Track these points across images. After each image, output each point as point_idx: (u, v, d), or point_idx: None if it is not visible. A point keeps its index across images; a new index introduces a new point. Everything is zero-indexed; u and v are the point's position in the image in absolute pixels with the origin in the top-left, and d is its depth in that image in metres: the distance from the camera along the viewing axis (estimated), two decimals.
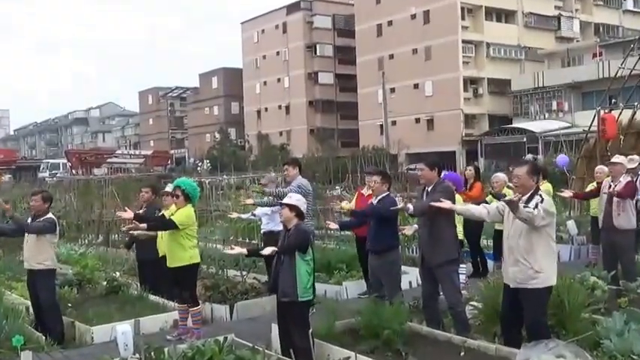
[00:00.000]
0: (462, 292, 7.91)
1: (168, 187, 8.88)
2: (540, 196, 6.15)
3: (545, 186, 11.69)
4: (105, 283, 10.42)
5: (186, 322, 8.21)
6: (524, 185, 6.19)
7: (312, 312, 8.75)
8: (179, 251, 7.94)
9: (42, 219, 8.09)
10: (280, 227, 7.78)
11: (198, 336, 7.68)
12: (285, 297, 6.47)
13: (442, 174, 7.72)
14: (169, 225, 7.91)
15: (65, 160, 61.33)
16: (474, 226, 11.48)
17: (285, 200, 6.71)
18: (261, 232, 10.68)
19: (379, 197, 8.16)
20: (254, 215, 10.89)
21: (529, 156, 34.42)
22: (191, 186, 8.11)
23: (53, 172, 59.37)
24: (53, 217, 8.24)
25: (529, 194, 6.15)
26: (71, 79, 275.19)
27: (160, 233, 9.06)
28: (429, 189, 7.40)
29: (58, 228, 8.24)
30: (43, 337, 7.63)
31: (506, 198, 6.16)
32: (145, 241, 9.63)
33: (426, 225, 7.38)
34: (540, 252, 6.09)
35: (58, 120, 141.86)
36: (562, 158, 16.65)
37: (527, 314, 6.17)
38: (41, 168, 66.43)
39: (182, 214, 7.95)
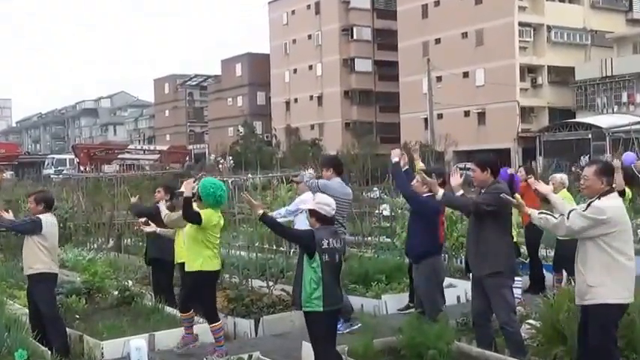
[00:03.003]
0: (518, 308, 7.86)
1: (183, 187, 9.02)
2: (599, 199, 6.11)
3: (627, 192, 11.61)
4: (116, 292, 10.55)
5: (192, 330, 8.38)
6: (592, 187, 6.14)
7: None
8: (203, 250, 8.09)
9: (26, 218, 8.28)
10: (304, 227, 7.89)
11: (221, 354, 7.76)
12: (293, 304, 6.80)
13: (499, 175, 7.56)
14: (195, 217, 8.04)
15: (72, 156, 62.04)
16: (532, 233, 11.41)
17: (303, 206, 6.80)
18: None
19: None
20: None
21: (585, 158, 34.07)
22: (204, 187, 8.18)
23: (59, 168, 60.12)
24: (41, 217, 8.31)
25: (593, 199, 6.12)
26: (79, 65, 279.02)
27: (178, 239, 9.22)
28: (483, 192, 7.32)
29: (43, 228, 8.23)
30: (49, 352, 7.75)
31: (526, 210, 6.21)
32: (159, 238, 9.85)
33: (474, 229, 7.29)
34: (597, 264, 6.01)
35: (65, 111, 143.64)
36: (629, 156, 16.38)
37: (589, 337, 6.13)
38: (46, 164, 67.37)
39: (204, 213, 8.09)
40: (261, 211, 6.70)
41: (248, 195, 7.41)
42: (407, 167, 8.87)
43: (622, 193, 10.80)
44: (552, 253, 12.15)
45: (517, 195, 7.20)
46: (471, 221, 7.44)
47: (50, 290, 8.52)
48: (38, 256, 8.26)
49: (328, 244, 6.49)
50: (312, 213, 6.64)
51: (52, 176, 45.59)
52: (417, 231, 8.19)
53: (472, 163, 7.50)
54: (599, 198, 6.08)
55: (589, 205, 6.07)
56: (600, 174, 6.14)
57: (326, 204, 6.70)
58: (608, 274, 6.01)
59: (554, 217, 6.22)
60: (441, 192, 7.31)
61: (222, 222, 8.40)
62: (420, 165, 9.91)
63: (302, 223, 9.91)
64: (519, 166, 12.49)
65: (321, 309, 6.47)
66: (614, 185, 6.44)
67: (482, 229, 7.19)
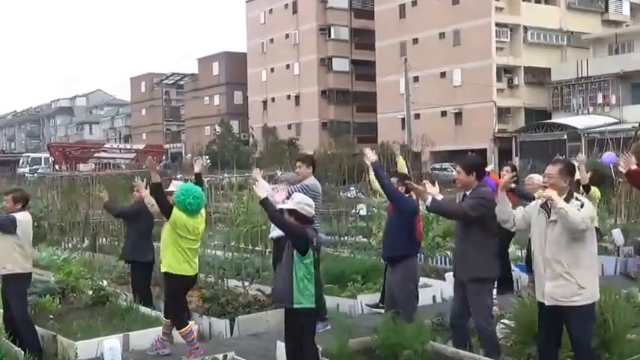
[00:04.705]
0: (493, 309, 7.90)
1: (172, 187, 8.93)
2: (578, 199, 6.17)
3: (594, 191, 11.64)
4: (91, 292, 10.47)
5: (170, 336, 8.35)
6: (555, 186, 6.17)
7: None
8: (169, 256, 8.10)
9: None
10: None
11: (197, 355, 7.74)
12: (279, 302, 6.69)
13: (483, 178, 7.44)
14: (168, 208, 8.06)
15: (47, 155, 61.53)
16: (502, 234, 11.35)
17: (283, 205, 6.71)
18: (270, 237, 10.69)
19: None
20: None
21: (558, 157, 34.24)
22: (182, 191, 8.13)
23: (34, 167, 59.69)
24: (16, 215, 8.27)
25: (562, 198, 6.14)
26: (54, 63, 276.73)
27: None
28: (468, 194, 7.26)
29: (18, 228, 8.17)
30: (22, 352, 7.70)
31: (544, 193, 6.10)
32: (136, 239, 9.85)
33: (461, 234, 7.28)
34: (585, 265, 6.11)
35: (40, 109, 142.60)
36: (608, 156, 16.45)
37: (573, 336, 6.18)
38: (21, 163, 66.78)
39: (175, 213, 8.05)
40: (263, 195, 6.61)
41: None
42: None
43: (586, 189, 10.92)
44: (524, 253, 12.17)
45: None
46: (457, 225, 7.41)
47: (22, 291, 8.43)
48: (12, 255, 8.18)
49: (315, 241, 6.55)
50: (292, 212, 6.59)
51: (26, 175, 45.19)
52: (394, 233, 8.14)
53: (458, 166, 7.33)
54: (572, 197, 6.14)
55: (582, 205, 6.10)
56: (564, 173, 6.20)
57: (307, 204, 6.67)
58: (593, 274, 6.21)
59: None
60: (429, 198, 7.04)
61: (200, 228, 8.34)
62: (401, 162, 9.96)
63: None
64: (505, 164, 12.38)
65: (314, 305, 6.52)
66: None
67: (468, 235, 7.16)
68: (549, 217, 6.17)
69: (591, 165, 18.18)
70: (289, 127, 70.53)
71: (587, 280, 6.11)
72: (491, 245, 7.34)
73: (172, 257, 8.11)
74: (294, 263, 6.45)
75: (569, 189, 6.23)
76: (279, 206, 6.71)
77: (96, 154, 57.95)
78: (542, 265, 6.24)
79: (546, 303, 6.21)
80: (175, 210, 8.03)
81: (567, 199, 6.12)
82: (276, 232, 10.03)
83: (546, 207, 6.22)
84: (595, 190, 11.67)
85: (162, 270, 8.24)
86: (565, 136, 50.29)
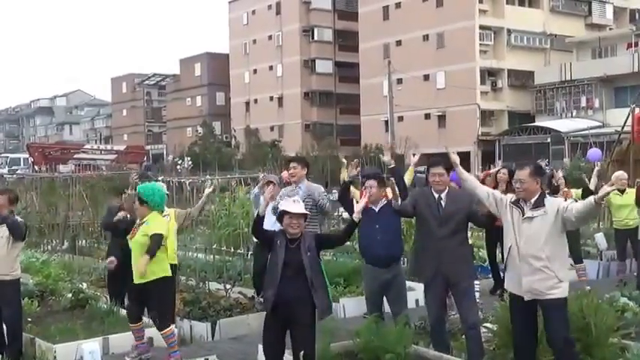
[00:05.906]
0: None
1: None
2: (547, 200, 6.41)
3: (576, 192, 11.84)
4: (70, 295, 10.44)
5: (144, 339, 8.24)
6: (529, 189, 6.36)
7: None
8: (150, 264, 7.80)
9: (18, 220, 8.11)
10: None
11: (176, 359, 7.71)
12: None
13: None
14: (159, 243, 7.70)
15: (27, 155, 61.21)
16: (495, 234, 11.27)
17: (300, 209, 6.54)
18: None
19: (380, 206, 8.06)
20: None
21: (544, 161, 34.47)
22: (149, 190, 7.99)
23: (13, 167, 59.21)
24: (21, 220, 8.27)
25: (535, 199, 6.34)
26: (34, 63, 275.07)
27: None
28: (444, 196, 7.33)
29: None
30: (0, 356, 7.65)
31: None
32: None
33: (452, 233, 7.28)
34: (562, 258, 6.47)
35: (20, 109, 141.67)
36: (594, 152, 16.39)
37: (554, 331, 6.27)
38: None
39: (156, 223, 7.80)
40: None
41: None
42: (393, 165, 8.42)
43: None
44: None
45: None
46: (439, 227, 7.27)
47: (19, 295, 8.41)
48: (17, 260, 8.13)
49: None
50: (304, 216, 6.56)
51: (5, 176, 44.86)
52: (396, 233, 8.14)
53: (440, 167, 7.37)
54: (544, 197, 6.38)
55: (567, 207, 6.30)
56: (534, 175, 6.39)
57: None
58: (565, 269, 6.57)
59: None
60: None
61: None
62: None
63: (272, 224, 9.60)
64: (500, 167, 12.35)
65: None
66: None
67: (461, 235, 7.33)
68: (524, 215, 6.34)
69: (574, 167, 18.29)
70: (272, 128, 70.46)
71: (564, 274, 6.39)
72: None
73: (165, 261, 7.97)
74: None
75: (540, 190, 6.42)
76: (296, 210, 6.51)
77: (76, 155, 57.68)
78: (518, 260, 6.37)
79: (525, 298, 6.35)
80: (159, 219, 7.89)
81: (540, 199, 6.34)
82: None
83: (518, 204, 6.41)
84: (578, 192, 11.87)
85: (160, 276, 7.78)
86: (548, 140, 50.55)
